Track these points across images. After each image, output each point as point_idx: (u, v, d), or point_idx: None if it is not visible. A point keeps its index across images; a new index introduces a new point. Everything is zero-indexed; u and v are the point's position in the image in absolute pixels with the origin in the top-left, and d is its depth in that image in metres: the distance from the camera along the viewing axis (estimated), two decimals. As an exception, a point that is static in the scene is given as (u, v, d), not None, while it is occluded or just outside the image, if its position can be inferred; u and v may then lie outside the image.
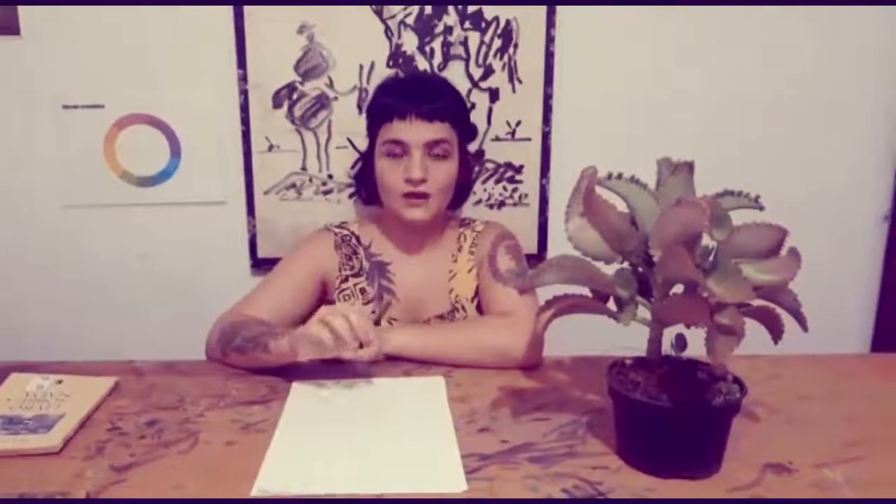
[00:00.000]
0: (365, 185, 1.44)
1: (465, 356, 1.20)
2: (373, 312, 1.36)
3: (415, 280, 1.38)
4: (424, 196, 1.29)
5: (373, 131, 1.35)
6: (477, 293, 1.38)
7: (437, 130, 1.28)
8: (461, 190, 1.42)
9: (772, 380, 1.15)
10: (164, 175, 1.63)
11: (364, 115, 1.43)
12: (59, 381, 1.11)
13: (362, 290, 1.37)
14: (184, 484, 0.85)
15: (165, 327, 1.66)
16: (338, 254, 1.38)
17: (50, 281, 1.67)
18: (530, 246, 1.67)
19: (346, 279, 1.37)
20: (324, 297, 1.39)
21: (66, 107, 1.58)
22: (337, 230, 1.41)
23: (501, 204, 1.68)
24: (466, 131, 1.40)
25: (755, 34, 1.62)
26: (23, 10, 1.52)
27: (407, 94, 1.30)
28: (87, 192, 1.62)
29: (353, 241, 1.40)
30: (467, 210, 1.60)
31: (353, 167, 1.56)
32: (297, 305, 1.32)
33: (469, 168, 1.45)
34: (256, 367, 1.18)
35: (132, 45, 1.56)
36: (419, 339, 1.22)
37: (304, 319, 1.37)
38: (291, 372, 1.16)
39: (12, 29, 1.53)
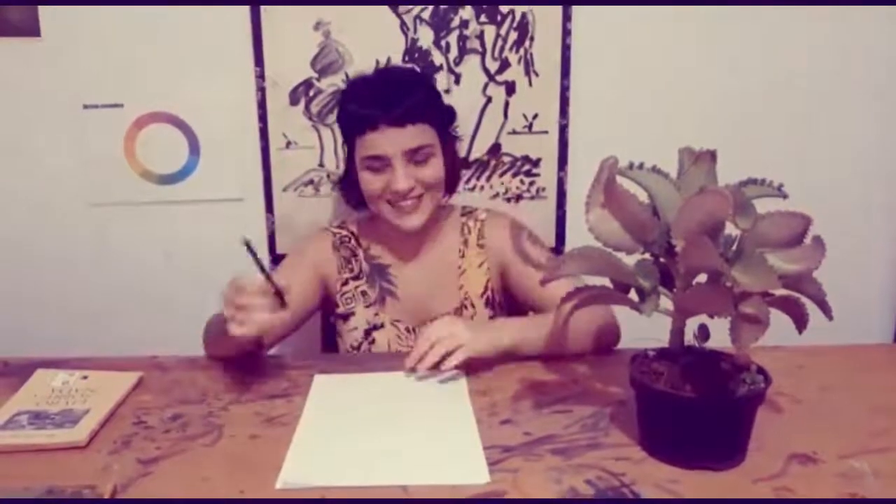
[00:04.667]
0: (351, 192, 1.35)
1: (572, 341, 1.16)
2: (376, 315, 1.34)
3: (418, 279, 1.35)
4: (414, 200, 1.24)
5: (349, 141, 1.28)
6: (486, 289, 1.34)
7: (414, 135, 1.21)
8: (451, 176, 1.33)
9: (795, 370, 1.14)
10: (184, 173, 1.64)
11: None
12: (84, 377, 1.12)
13: (363, 293, 1.35)
14: (210, 476, 0.86)
15: (186, 323, 1.66)
16: (336, 256, 1.35)
17: (73, 278, 1.70)
18: (548, 240, 1.67)
19: (346, 282, 1.35)
20: (327, 295, 1.36)
21: (86, 106, 1.59)
22: (336, 231, 1.38)
23: (519, 198, 1.67)
24: (443, 119, 1.30)
25: (775, 22, 1.60)
26: (43, 12, 1.54)
27: (373, 100, 1.21)
28: (109, 191, 1.64)
29: (352, 242, 1.37)
30: (485, 205, 1.60)
31: (338, 182, 1.47)
32: (300, 304, 1.24)
33: (454, 153, 1.36)
34: (231, 352, 1.16)
35: (150, 45, 1.57)
36: (532, 333, 1.17)
37: (307, 318, 1.36)
38: (313, 366, 1.17)
39: (33, 30, 1.55)
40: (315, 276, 1.34)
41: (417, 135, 1.21)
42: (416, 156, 1.22)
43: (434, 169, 1.25)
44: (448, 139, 1.32)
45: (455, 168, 1.36)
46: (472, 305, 1.35)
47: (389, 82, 1.27)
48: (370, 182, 1.25)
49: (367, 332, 1.34)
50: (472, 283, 1.35)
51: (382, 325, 1.34)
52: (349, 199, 1.38)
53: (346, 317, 1.35)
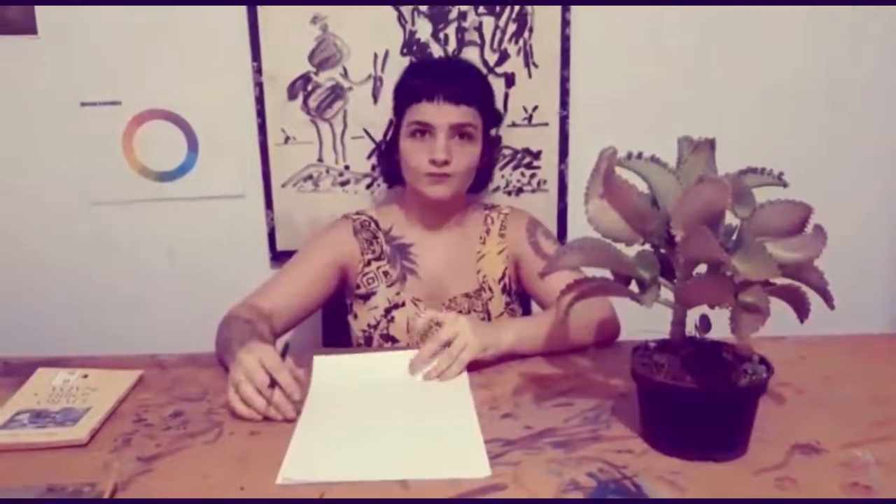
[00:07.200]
0: (388, 165, 1.44)
1: (572, 338, 1.18)
2: (397, 294, 1.37)
3: (439, 260, 1.39)
4: (446, 175, 1.30)
5: (399, 111, 1.35)
6: (504, 276, 1.39)
7: (464, 114, 1.29)
8: (483, 174, 1.43)
9: (797, 361, 1.14)
10: (183, 170, 1.64)
11: (390, 98, 1.42)
12: (85, 376, 1.12)
13: (385, 273, 1.38)
14: (210, 473, 0.86)
15: (187, 320, 1.67)
16: (357, 239, 1.39)
17: (73, 277, 1.69)
18: (549, 232, 1.66)
19: (368, 263, 1.38)
20: (344, 284, 1.40)
21: (83, 104, 1.59)
22: (355, 217, 1.42)
23: (520, 190, 1.67)
24: (491, 117, 1.40)
25: (775, 12, 1.59)
26: (39, 9, 1.53)
27: (436, 77, 1.31)
28: (107, 189, 1.64)
29: (373, 225, 1.41)
30: (486, 197, 1.60)
31: (369, 157, 1.56)
32: (314, 293, 1.34)
33: (491, 153, 1.45)
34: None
35: (147, 42, 1.56)
36: (532, 332, 1.19)
37: (322, 307, 1.42)
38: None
39: (30, 28, 1.54)
40: (333, 263, 1.37)
41: (466, 114, 1.29)
42: (460, 130, 1.29)
43: (470, 153, 1.32)
44: (487, 137, 1.39)
45: (486, 166, 1.43)
46: (490, 289, 1.39)
47: (456, 66, 1.41)
48: (411, 149, 1.31)
49: (387, 311, 1.37)
50: (490, 268, 1.39)
51: (403, 304, 1.37)
52: (384, 173, 1.49)
53: (366, 297, 1.38)
